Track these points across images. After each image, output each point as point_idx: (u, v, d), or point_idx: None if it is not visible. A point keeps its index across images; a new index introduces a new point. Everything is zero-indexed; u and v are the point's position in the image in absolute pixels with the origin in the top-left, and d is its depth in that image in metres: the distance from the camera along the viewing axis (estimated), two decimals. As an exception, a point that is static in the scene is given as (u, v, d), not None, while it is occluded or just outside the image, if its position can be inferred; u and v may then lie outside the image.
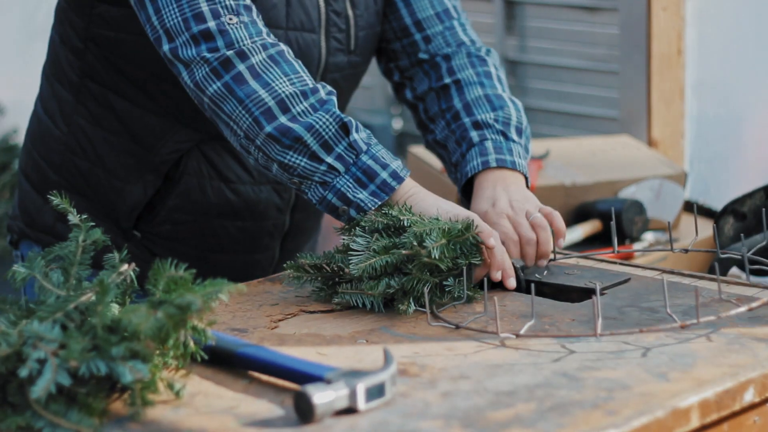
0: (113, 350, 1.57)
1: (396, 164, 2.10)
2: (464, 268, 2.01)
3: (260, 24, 2.13)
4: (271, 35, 2.14)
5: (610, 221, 2.26)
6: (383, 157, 2.09)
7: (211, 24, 2.08)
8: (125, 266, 1.75)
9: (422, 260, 1.96)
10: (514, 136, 2.30)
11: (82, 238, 1.76)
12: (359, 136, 2.09)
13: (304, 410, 1.57)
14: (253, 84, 2.08)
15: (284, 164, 2.08)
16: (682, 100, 4.00)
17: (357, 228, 2.05)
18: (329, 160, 2.07)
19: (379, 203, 2.07)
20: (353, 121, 2.10)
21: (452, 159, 2.35)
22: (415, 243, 1.97)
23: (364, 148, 2.09)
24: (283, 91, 2.07)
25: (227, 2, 2.10)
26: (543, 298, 2.04)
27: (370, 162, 2.08)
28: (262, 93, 2.07)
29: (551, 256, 2.17)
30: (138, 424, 1.59)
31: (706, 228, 3.37)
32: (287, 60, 2.11)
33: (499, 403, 1.62)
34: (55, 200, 1.80)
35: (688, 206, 3.56)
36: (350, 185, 2.07)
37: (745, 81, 3.84)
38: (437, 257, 1.96)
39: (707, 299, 1.99)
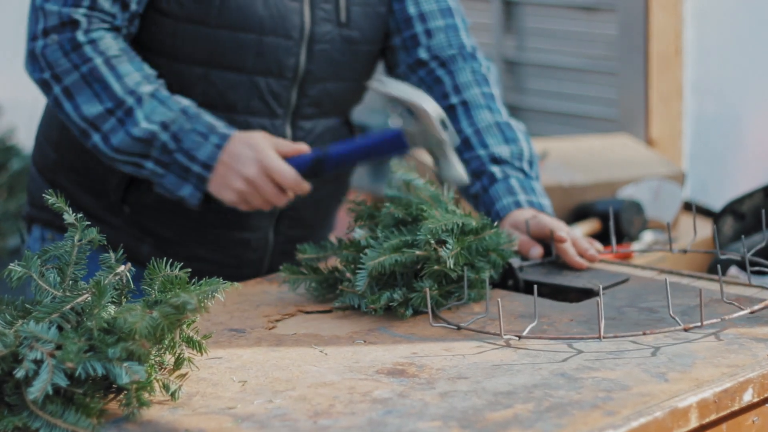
0: (109, 351, 1.57)
1: (204, 153, 2.20)
2: (465, 270, 2.01)
3: (81, 34, 2.22)
4: (95, 32, 2.23)
5: (609, 221, 2.27)
6: (191, 150, 2.20)
7: (38, 44, 2.24)
8: (122, 267, 1.75)
9: (433, 267, 1.96)
10: (531, 173, 2.37)
11: (78, 237, 1.75)
12: (169, 133, 2.20)
13: None
14: (67, 106, 2.24)
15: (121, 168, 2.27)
16: (680, 100, 3.99)
17: (369, 237, 2.04)
18: (150, 166, 2.23)
19: (202, 195, 2.22)
20: (163, 117, 2.19)
21: (470, 190, 2.38)
22: (432, 241, 1.96)
23: (174, 146, 2.20)
24: (91, 113, 2.22)
25: (53, 9, 2.23)
26: (541, 299, 2.03)
27: (182, 159, 2.21)
28: (73, 116, 2.23)
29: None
30: (135, 424, 1.59)
31: (705, 228, 3.37)
32: (97, 77, 2.22)
33: (497, 403, 1.61)
34: (51, 199, 1.80)
35: (687, 206, 3.55)
36: (175, 182, 2.23)
37: (744, 80, 3.84)
38: (452, 266, 1.96)
39: (707, 300, 1.98)
